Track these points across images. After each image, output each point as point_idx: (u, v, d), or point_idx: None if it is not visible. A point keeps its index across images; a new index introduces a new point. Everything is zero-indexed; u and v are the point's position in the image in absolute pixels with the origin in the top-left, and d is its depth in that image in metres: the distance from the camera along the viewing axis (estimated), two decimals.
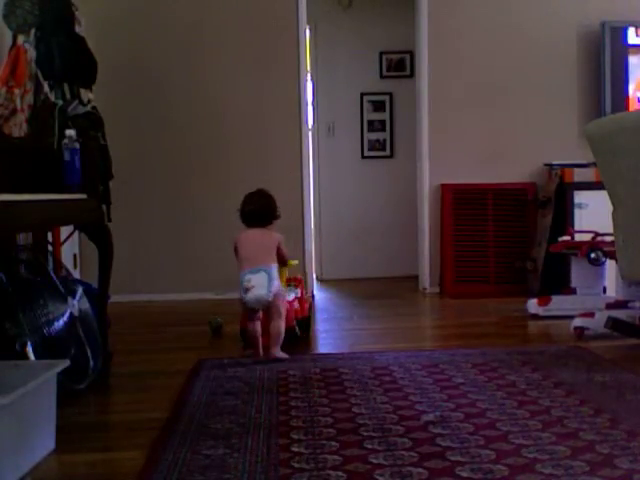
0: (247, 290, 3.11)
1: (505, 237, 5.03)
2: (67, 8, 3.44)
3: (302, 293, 3.71)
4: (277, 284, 3.16)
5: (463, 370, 2.84)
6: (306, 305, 3.73)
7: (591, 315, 3.46)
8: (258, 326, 3.18)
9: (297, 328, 3.49)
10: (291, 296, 3.51)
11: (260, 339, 3.17)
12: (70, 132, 2.86)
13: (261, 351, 3.17)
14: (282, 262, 3.36)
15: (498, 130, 5.14)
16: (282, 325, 3.17)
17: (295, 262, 3.64)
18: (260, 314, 3.21)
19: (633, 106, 4.98)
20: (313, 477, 1.79)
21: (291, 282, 3.70)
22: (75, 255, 4.67)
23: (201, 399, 2.53)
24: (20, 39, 3.29)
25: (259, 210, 3.29)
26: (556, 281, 4.60)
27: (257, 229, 3.28)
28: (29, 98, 3.20)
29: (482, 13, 5.13)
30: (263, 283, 3.10)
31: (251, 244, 3.21)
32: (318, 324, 4.12)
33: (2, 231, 2.29)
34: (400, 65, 6.14)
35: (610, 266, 3.90)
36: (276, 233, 3.32)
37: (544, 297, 4.12)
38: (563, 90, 5.15)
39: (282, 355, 3.16)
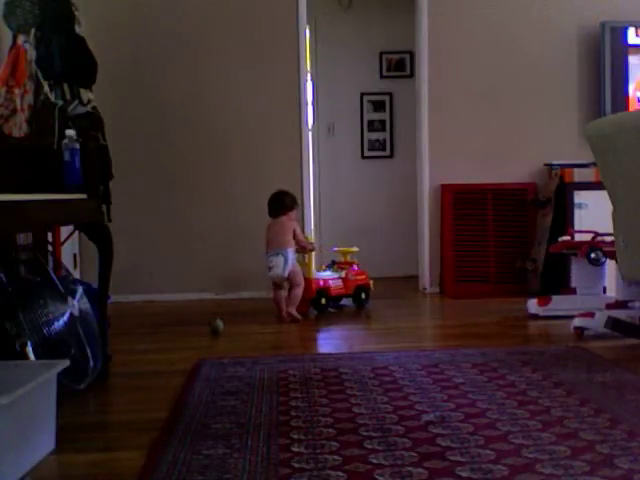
0: (270, 269, 4.15)
1: (505, 237, 5.02)
2: (67, 8, 3.42)
3: (347, 275, 4.43)
4: (291, 264, 4.13)
5: (463, 370, 2.84)
6: (352, 285, 4.43)
7: (591, 315, 3.45)
8: (279, 294, 4.19)
9: (324, 299, 4.30)
10: (331, 275, 4.39)
11: (282, 304, 4.13)
12: (70, 132, 2.86)
13: (284, 313, 4.10)
14: (301, 247, 4.23)
15: (498, 130, 5.14)
16: (299, 292, 4.15)
17: (355, 249, 4.60)
18: (285, 284, 4.22)
19: (633, 106, 4.98)
20: (313, 477, 1.79)
21: (341, 265, 4.52)
22: (75, 255, 4.67)
23: (201, 399, 2.53)
24: (20, 39, 3.28)
25: (272, 205, 4.25)
26: (556, 281, 4.61)
27: (276, 219, 4.23)
28: (29, 98, 3.19)
29: (482, 13, 5.13)
30: (280, 264, 4.10)
31: (271, 231, 4.21)
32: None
33: (2, 231, 2.29)
34: (400, 65, 6.14)
35: (610, 266, 3.90)
36: (291, 222, 4.22)
37: (544, 297, 4.12)
38: (563, 90, 5.15)
39: (296, 315, 4.09)
